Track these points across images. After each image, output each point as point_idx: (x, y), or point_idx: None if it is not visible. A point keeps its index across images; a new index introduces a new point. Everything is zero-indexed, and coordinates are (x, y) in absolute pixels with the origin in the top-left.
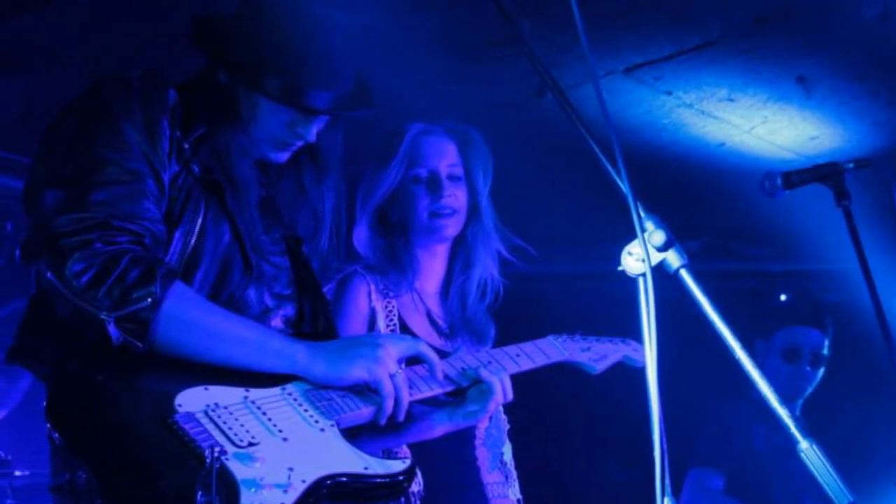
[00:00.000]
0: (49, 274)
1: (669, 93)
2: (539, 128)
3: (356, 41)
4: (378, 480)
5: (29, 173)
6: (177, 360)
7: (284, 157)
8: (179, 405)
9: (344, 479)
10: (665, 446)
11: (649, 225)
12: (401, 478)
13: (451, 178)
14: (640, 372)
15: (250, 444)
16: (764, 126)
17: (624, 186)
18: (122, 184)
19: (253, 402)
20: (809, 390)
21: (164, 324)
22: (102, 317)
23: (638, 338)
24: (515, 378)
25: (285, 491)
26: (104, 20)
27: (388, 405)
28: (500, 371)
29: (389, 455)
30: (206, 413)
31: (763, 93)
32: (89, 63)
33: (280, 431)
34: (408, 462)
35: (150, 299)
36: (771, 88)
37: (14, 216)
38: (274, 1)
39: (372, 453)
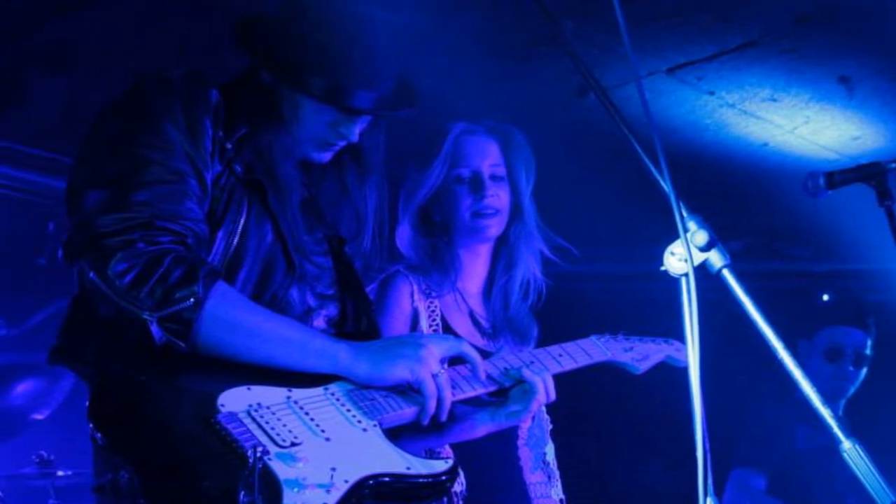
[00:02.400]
0: (91, 274)
1: (712, 93)
2: (581, 128)
3: (399, 41)
4: (421, 480)
5: (71, 173)
6: (219, 360)
7: (327, 157)
8: (222, 405)
9: (387, 479)
10: (707, 446)
11: (692, 225)
12: (444, 478)
13: (494, 177)
14: (683, 372)
15: (293, 444)
16: (807, 126)
17: (666, 186)
18: (164, 183)
19: (296, 402)
20: (852, 390)
21: (206, 324)
22: (145, 317)
23: (680, 338)
24: (558, 378)
25: (328, 491)
26: (147, 20)
27: (431, 405)
28: (543, 371)
29: (432, 455)
30: (248, 413)
31: (805, 93)
32: (131, 63)
33: (323, 431)
34: (450, 462)
35: (192, 299)
36: (813, 88)
37: (56, 216)
38: (317, 1)
39: (415, 453)
